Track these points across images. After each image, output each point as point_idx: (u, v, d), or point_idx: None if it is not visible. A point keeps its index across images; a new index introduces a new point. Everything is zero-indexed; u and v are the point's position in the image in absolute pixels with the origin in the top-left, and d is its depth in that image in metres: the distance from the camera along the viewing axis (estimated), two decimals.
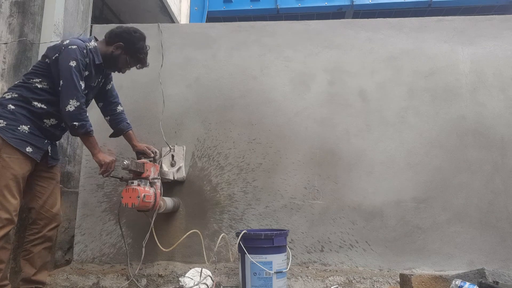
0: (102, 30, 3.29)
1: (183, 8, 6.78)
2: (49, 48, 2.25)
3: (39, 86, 2.18)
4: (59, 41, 2.24)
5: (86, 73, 2.27)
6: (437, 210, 2.81)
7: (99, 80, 2.47)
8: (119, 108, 2.70)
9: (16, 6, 3.18)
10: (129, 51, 2.40)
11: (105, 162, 2.32)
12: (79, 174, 3.18)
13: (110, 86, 2.65)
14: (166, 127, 3.05)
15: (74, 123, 2.16)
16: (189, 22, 6.92)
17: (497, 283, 1.96)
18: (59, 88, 2.16)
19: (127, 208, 2.36)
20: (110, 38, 2.39)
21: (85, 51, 2.23)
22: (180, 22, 6.46)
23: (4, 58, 3.05)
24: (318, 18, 5.81)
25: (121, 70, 2.50)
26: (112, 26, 3.35)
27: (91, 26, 3.50)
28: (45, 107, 2.17)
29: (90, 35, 3.41)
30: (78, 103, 2.14)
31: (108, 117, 2.67)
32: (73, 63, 2.14)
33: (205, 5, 7.01)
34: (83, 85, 2.22)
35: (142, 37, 2.44)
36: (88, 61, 2.25)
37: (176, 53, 3.22)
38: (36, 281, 2.27)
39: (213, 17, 7.01)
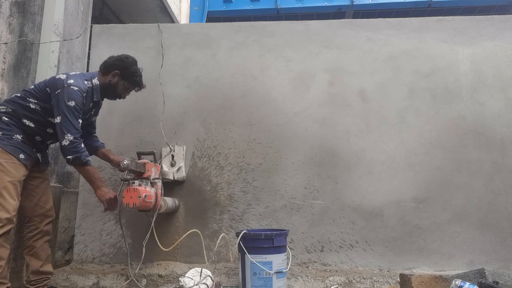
0: (102, 30, 3.30)
1: (183, 8, 6.78)
2: (53, 81, 2.33)
3: (32, 106, 2.30)
4: (64, 76, 2.32)
5: (81, 112, 2.37)
6: (437, 210, 2.81)
7: (92, 113, 2.58)
8: (94, 134, 2.76)
9: (16, 6, 3.18)
10: (125, 76, 2.50)
11: (105, 199, 2.39)
12: (79, 174, 3.16)
13: (95, 118, 2.73)
14: (166, 127, 3.05)
15: (68, 156, 2.28)
16: (189, 22, 6.92)
17: (497, 283, 1.97)
18: (56, 122, 2.27)
19: (128, 208, 2.36)
20: (105, 68, 2.49)
21: (85, 94, 2.33)
22: (180, 22, 6.46)
23: (4, 58, 3.05)
24: (318, 18, 5.82)
25: (121, 96, 2.59)
26: (112, 26, 3.39)
27: (91, 26, 3.50)
28: (32, 125, 2.30)
29: (90, 35, 3.42)
30: (71, 137, 2.25)
31: (83, 139, 2.66)
32: (71, 103, 2.25)
33: (205, 5, 7.01)
34: (80, 122, 2.33)
35: (134, 62, 2.55)
36: (85, 102, 2.36)
37: (176, 53, 3.22)
38: (45, 271, 2.41)
39: (213, 17, 7.02)
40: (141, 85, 2.59)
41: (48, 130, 2.36)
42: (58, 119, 2.25)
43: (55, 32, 3.20)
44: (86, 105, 2.40)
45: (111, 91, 2.52)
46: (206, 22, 6.78)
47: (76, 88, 2.27)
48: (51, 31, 3.17)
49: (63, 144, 2.25)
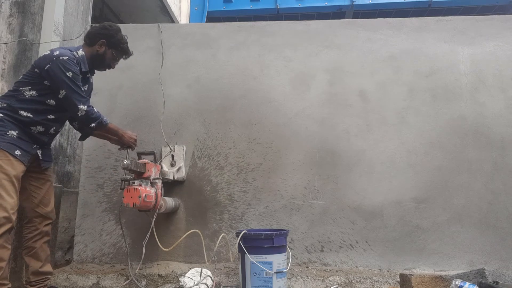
0: None
1: (183, 8, 6.79)
2: (39, 59, 2.33)
3: (27, 96, 2.26)
4: (49, 52, 2.32)
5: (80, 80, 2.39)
6: (437, 210, 2.81)
7: (85, 89, 2.55)
8: None
9: (16, 6, 3.18)
10: (112, 44, 2.51)
11: (133, 140, 2.62)
12: (79, 174, 3.18)
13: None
14: (166, 127, 3.05)
15: (92, 125, 2.37)
16: (189, 22, 6.92)
17: (497, 283, 1.97)
18: (60, 97, 2.28)
19: (128, 208, 2.37)
20: (90, 39, 2.49)
21: (75, 61, 2.33)
22: (180, 22, 6.47)
23: (4, 58, 3.06)
24: (318, 18, 5.82)
25: (111, 65, 2.59)
26: None
27: (91, 26, 3.49)
28: (31, 115, 2.25)
29: None
30: (85, 107, 2.30)
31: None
32: (69, 74, 2.25)
33: (205, 5, 7.02)
34: (83, 89, 2.36)
35: (118, 29, 2.54)
36: (78, 69, 2.37)
37: (176, 53, 3.22)
38: (45, 272, 2.41)
39: (213, 17, 7.02)
40: (128, 52, 2.61)
41: (49, 117, 2.32)
42: (62, 93, 2.25)
43: (55, 32, 3.20)
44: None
45: (100, 61, 2.52)
46: (206, 22, 6.79)
47: (66, 57, 2.26)
48: (51, 31, 3.17)
49: (79, 115, 2.29)
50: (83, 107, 2.28)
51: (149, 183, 2.50)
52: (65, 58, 2.25)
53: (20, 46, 3.12)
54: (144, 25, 3.37)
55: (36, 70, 2.28)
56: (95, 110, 2.37)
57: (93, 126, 2.37)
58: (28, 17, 3.19)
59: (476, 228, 2.77)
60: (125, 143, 2.59)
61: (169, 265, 2.81)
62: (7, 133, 2.16)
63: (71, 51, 2.38)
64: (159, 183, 2.61)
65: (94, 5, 4.17)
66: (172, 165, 2.96)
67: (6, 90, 2.98)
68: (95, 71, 2.60)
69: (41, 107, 2.28)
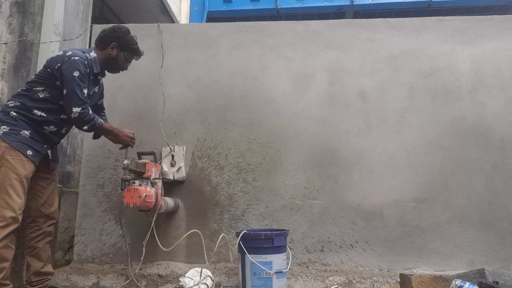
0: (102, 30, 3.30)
1: (183, 8, 6.79)
2: (51, 58, 2.36)
3: (41, 95, 2.29)
4: (61, 52, 2.36)
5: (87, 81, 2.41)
6: (437, 210, 2.81)
7: (95, 91, 2.58)
8: (102, 114, 2.84)
9: (16, 6, 3.18)
10: (123, 47, 2.55)
11: (130, 138, 2.57)
12: (79, 174, 3.18)
13: (101, 102, 2.81)
14: (166, 127, 3.05)
15: (84, 127, 2.36)
16: (189, 22, 6.92)
17: (497, 283, 1.97)
18: (63, 96, 2.30)
19: (128, 208, 2.37)
20: (101, 43, 2.54)
21: (86, 62, 2.35)
22: (180, 22, 6.47)
23: (4, 58, 3.05)
24: (318, 18, 5.82)
25: (124, 67, 2.64)
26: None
27: (91, 26, 3.49)
28: (44, 115, 2.28)
29: (90, 35, 3.42)
30: (79, 109, 2.29)
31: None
32: (76, 73, 2.27)
33: (205, 5, 7.01)
34: (85, 92, 2.36)
35: (127, 30, 2.59)
36: (88, 71, 2.39)
37: (176, 53, 3.22)
38: (46, 272, 2.42)
39: (213, 17, 7.02)
40: (139, 52, 2.66)
41: (62, 116, 2.35)
42: (64, 91, 2.27)
43: (55, 32, 3.20)
44: (88, 77, 2.41)
45: (113, 64, 2.56)
46: (206, 22, 6.78)
47: (77, 58, 2.29)
48: (51, 31, 3.17)
49: (72, 117, 2.29)
50: (77, 109, 2.27)
51: (149, 183, 2.50)
52: (76, 58, 2.28)
53: (20, 46, 3.12)
54: (144, 25, 3.37)
55: (48, 70, 2.31)
56: (90, 112, 2.36)
57: (86, 129, 2.38)
58: (28, 17, 3.19)
59: (476, 228, 2.77)
60: (121, 142, 2.58)
61: (169, 265, 2.81)
62: (20, 133, 2.18)
63: (84, 52, 2.41)
64: (159, 183, 2.61)
65: (94, 5, 4.17)
66: (172, 165, 2.96)
67: (6, 90, 2.99)
68: (107, 73, 2.63)
69: (54, 106, 2.31)
